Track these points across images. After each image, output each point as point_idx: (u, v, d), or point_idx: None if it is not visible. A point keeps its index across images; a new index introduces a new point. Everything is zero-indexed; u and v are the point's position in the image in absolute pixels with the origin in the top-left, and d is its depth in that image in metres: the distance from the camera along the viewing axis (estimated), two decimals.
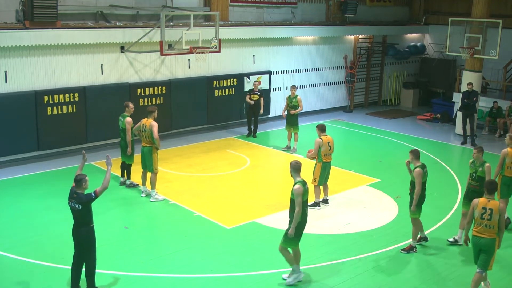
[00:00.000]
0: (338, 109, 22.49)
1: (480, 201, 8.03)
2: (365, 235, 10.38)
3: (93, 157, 14.78)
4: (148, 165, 11.84)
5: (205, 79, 17.66)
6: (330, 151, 11.39)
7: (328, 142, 11.30)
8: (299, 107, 15.49)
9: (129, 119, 12.26)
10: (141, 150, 11.87)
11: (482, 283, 8.49)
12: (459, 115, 18.39)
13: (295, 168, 8.39)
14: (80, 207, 7.63)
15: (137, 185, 12.62)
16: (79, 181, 7.73)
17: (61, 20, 14.30)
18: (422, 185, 9.51)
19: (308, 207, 11.46)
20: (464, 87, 18.03)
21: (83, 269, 7.95)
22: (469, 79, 17.90)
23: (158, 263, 9.05)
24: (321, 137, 11.30)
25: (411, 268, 9.17)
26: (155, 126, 11.59)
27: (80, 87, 14.98)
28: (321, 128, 11.45)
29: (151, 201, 11.78)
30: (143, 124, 11.77)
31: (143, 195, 12.04)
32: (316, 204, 11.59)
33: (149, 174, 11.99)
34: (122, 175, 12.84)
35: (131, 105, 12.54)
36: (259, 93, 16.95)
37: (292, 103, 15.51)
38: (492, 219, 7.87)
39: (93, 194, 7.63)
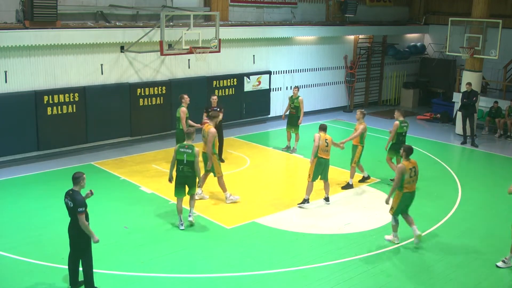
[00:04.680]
0: (338, 109, 22.49)
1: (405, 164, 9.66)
2: (365, 235, 10.38)
3: (93, 157, 14.81)
4: (211, 170, 11.69)
5: (205, 79, 17.66)
6: (327, 147, 11.43)
7: (326, 139, 11.40)
8: (300, 111, 15.44)
9: (183, 108, 12.73)
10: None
11: (392, 235, 10.02)
12: (459, 115, 18.40)
13: (186, 134, 10.46)
14: (72, 205, 7.65)
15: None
16: (77, 178, 7.79)
17: (61, 20, 14.30)
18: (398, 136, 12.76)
19: (297, 205, 11.57)
20: (464, 87, 18.05)
21: (80, 267, 7.98)
22: (469, 79, 17.92)
23: (158, 263, 9.05)
24: (320, 133, 11.50)
25: (411, 268, 9.17)
26: (211, 134, 11.39)
27: (80, 87, 14.98)
28: (322, 128, 11.65)
29: (227, 203, 11.74)
30: (203, 130, 11.81)
31: (197, 197, 11.74)
32: (304, 201, 11.62)
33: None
34: None
35: (186, 96, 13.13)
36: (218, 109, 14.10)
37: (293, 103, 15.51)
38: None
39: (83, 208, 7.61)
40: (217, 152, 11.80)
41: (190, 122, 13.59)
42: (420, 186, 13.38)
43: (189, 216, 10.71)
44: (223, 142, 14.80)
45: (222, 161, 14.31)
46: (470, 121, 17.51)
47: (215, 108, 14.14)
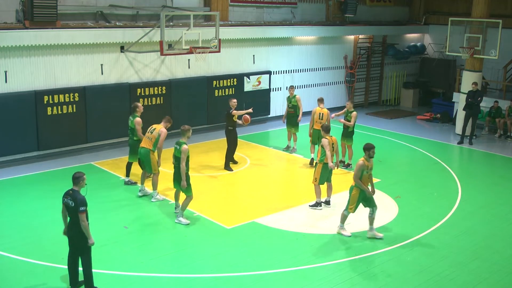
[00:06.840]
0: (338, 109, 22.41)
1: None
2: (365, 235, 10.38)
3: (93, 157, 14.81)
4: (147, 167, 11.87)
5: (205, 79, 17.66)
6: (334, 152, 11.40)
7: (332, 144, 11.34)
8: (299, 109, 15.42)
9: (138, 119, 12.24)
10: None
11: (339, 228, 10.41)
12: (459, 115, 18.39)
13: (181, 130, 10.72)
14: (73, 204, 7.65)
15: (135, 183, 12.64)
16: (77, 178, 7.80)
17: (61, 20, 14.30)
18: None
19: (310, 207, 11.58)
20: (464, 87, 18.04)
21: (80, 267, 7.99)
22: (469, 79, 17.92)
23: (158, 263, 9.05)
24: (327, 137, 11.32)
25: (411, 268, 9.17)
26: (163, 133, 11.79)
27: (80, 87, 14.98)
28: (326, 129, 11.48)
29: (152, 201, 11.79)
30: (152, 127, 12.00)
31: (140, 194, 12.05)
32: (317, 204, 11.60)
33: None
34: (127, 175, 12.83)
35: (140, 105, 12.56)
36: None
37: (291, 103, 15.50)
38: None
39: (85, 207, 7.64)
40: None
41: (234, 112, 13.83)
42: (420, 186, 13.42)
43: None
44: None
45: (235, 162, 14.51)
46: (472, 121, 17.50)
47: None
